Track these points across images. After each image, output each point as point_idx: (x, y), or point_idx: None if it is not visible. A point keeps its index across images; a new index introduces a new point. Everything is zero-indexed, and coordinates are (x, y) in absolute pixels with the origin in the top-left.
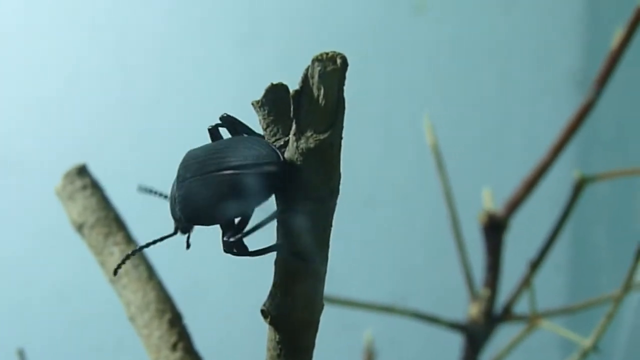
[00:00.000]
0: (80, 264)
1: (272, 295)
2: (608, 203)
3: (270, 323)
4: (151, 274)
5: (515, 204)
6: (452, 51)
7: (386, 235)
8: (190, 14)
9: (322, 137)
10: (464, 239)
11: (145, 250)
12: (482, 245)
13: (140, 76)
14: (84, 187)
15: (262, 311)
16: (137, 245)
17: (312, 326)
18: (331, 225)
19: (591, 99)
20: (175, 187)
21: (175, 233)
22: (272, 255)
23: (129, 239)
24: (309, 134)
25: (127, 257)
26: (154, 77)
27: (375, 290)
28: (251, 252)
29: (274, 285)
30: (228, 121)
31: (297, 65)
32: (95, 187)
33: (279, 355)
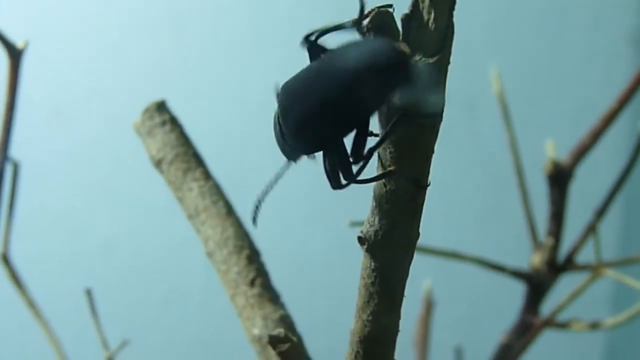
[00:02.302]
0: (130, 215)
1: (369, 222)
2: None
3: (367, 250)
4: (230, 210)
5: (580, 153)
6: (509, 6)
7: (444, 184)
8: None
9: (431, 61)
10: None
11: (224, 186)
12: (545, 195)
13: (195, 22)
14: (163, 123)
15: (359, 238)
16: (215, 181)
17: (408, 255)
18: (433, 152)
19: None
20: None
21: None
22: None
23: (207, 175)
24: (417, 57)
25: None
26: (209, 23)
27: (433, 240)
28: (361, 180)
29: (372, 211)
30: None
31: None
32: (174, 123)
33: (372, 284)
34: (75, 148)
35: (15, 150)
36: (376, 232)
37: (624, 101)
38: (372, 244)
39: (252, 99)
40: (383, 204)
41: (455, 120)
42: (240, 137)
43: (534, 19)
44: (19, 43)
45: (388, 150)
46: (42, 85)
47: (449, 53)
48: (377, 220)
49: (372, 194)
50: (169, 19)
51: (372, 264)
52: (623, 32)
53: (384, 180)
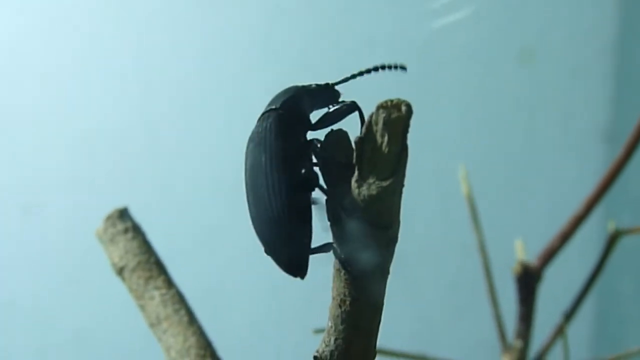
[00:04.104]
0: (99, 308)
1: (325, 341)
2: (635, 255)
3: None
4: (192, 319)
5: (549, 255)
6: (479, 104)
7: (412, 285)
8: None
9: (384, 184)
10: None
11: (187, 294)
12: (514, 296)
13: (166, 122)
14: (126, 231)
15: (315, 357)
16: (177, 289)
17: None
18: (389, 273)
19: (626, 154)
20: None
21: None
22: (322, 299)
23: (169, 283)
24: (371, 180)
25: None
26: (180, 121)
27: (400, 341)
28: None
29: (328, 331)
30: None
31: None
32: (137, 231)
33: None
34: (43, 243)
35: None
36: (332, 352)
37: (592, 205)
38: None
39: (219, 203)
40: (338, 324)
41: (425, 217)
42: (205, 242)
43: (503, 118)
44: None
45: (342, 272)
46: (12, 181)
47: (403, 176)
48: (332, 340)
49: (329, 314)
50: (142, 123)
51: None
52: (594, 128)
53: (339, 301)
